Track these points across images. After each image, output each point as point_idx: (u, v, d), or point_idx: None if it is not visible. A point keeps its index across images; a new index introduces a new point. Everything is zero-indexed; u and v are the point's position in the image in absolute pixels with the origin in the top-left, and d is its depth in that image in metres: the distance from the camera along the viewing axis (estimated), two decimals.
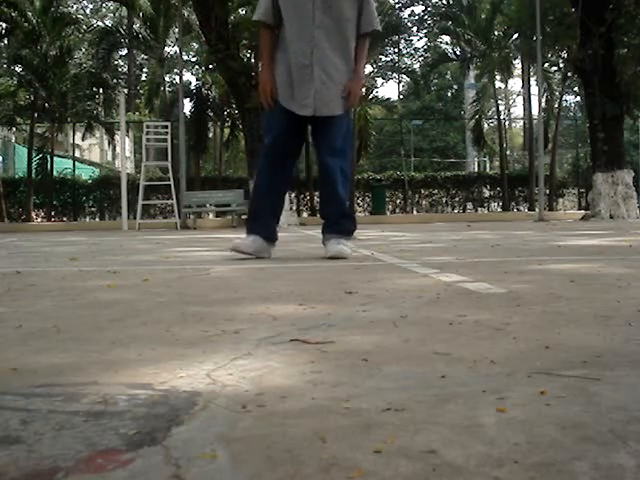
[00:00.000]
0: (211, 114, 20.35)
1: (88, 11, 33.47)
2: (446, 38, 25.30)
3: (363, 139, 20.22)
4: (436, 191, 21.24)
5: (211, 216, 17.39)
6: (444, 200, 21.30)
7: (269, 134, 3.75)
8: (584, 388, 0.99)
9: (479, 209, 21.16)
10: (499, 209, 20.57)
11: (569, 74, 18.80)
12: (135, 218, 14.10)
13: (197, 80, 22.10)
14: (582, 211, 16.45)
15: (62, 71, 17.69)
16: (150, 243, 6.61)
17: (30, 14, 17.46)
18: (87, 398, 0.98)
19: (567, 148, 27.97)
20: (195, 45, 28.77)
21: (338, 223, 3.77)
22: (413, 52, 32.21)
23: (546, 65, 19.20)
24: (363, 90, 4.07)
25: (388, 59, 24.88)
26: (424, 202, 21.28)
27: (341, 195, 3.76)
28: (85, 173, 22.15)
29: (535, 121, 18.71)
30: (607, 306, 1.79)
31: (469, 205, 21.41)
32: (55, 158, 18.93)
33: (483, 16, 20.17)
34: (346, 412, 0.89)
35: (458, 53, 22.95)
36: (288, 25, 3.60)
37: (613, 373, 1.08)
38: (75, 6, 30.21)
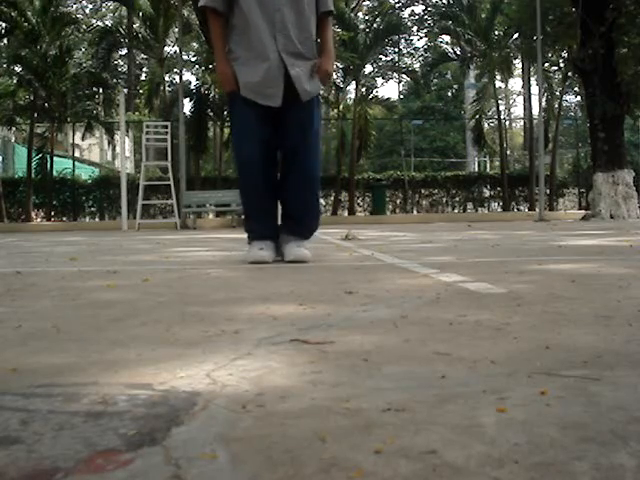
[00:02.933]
0: (211, 114, 20.34)
1: (88, 11, 33.43)
2: (446, 38, 25.29)
3: (363, 139, 20.20)
4: (436, 191, 21.22)
5: (211, 216, 17.38)
6: (444, 200, 21.29)
7: (245, 134, 3.49)
8: (584, 388, 0.99)
9: (479, 209, 21.15)
10: (499, 209, 20.55)
11: (569, 74, 18.79)
12: (135, 218, 14.09)
13: (197, 80, 22.09)
14: (582, 211, 16.44)
15: (62, 71, 17.67)
16: (150, 243, 6.61)
17: (30, 14, 17.45)
18: (87, 398, 0.98)
19: (567, 148, 27.95)
20: (195, 45, 28.75)
21: (304, 223, 3.57)
22: (413, 52, 32.20)
23: (546, 65, 19.18)
24: (334, 67, 3.90)
25: (388, 59, 24.84)
26: (424, 202, 21.25)
27: (318, 194, 3.65)
28: (85, 173, 22.14)
29: (535, 121, 18.71)
30: (607, 306, 1.79)
31: (469, 205, 21.39)
32: (55, 158, 18.90)
33: (483, 16, 20.16)
34: (346, 412, 0.89)
35: (458, 53, 22.93)
36: (247, 11, 3.39)
37: (613, 373, 1.08)
38: (75, 6, 30.20)
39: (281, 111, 3.46)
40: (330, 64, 3.55)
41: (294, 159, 3.54)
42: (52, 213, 18.49)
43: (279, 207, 3.73)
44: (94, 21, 28.81)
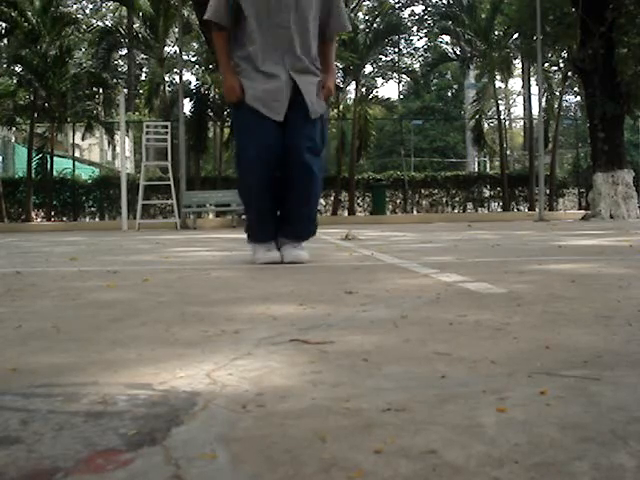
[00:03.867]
0: (211, 114, 20.34)
1: (88, 11, 33.41)
2: (446, 38, 25.31)
3: (363, 139, 20.21)
4: (436, 191, 21.22)
5: (211, 216, 17.38)
6: (444, 200, 21.29)
7: (248, 139, 3.43)
8: (584, 388, 0.99)
9: (479, 209, 21.15)
10: (499, 209, 20.55)
11: (569, 74, 18.80)
12: (135, 218, 14.09)
13: (197, 80, 22.09)
14: (582, 211, 16.44)
15: (62, 71, 17.67)
16: (150, 243, 6.61)
17: (30, 14, 17.44)
18: (87, 398, 0.98)
19: (567, 148, 27.94)
20: (195, 45, 28.75)
21: (305, 228, 3.57)
22: (413, 52, 32.22)
23: (546, 65, 19.19)
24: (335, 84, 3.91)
25: (388, 59, 24.85)
26: (424, 202, 21.26)
27: (317, 197, 3.59)
28: (85, 173, 22.13)
29: (535, 121, 18.71)
30: (607, 306, 1.79)
31: (469, 205, 21.39)
32: (55, 158, 18.90)
33: (483, 16, 20.15)
34: (346, 412, 0.89)
35: (458, 53, 22.93)
36: (254, 29, 3.37)
37: (613, 373, 1.08)
38: (75, 6, 30.20)
39: (287, 125, 3.41)
40: (333, 82, 3.62)
41: (306, 163, 3.42)
42: (52, 213, 18.49)
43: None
44: (94, 21, 28.79)
